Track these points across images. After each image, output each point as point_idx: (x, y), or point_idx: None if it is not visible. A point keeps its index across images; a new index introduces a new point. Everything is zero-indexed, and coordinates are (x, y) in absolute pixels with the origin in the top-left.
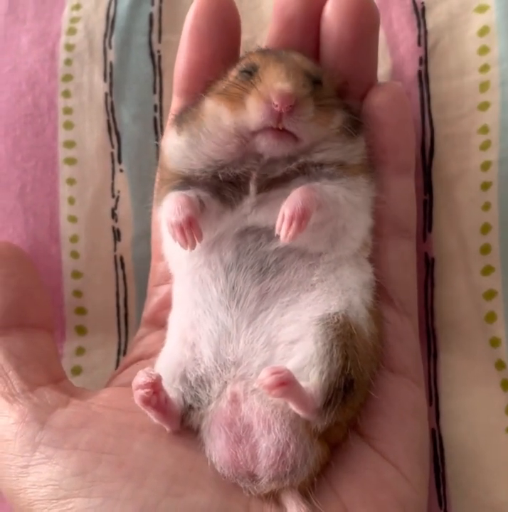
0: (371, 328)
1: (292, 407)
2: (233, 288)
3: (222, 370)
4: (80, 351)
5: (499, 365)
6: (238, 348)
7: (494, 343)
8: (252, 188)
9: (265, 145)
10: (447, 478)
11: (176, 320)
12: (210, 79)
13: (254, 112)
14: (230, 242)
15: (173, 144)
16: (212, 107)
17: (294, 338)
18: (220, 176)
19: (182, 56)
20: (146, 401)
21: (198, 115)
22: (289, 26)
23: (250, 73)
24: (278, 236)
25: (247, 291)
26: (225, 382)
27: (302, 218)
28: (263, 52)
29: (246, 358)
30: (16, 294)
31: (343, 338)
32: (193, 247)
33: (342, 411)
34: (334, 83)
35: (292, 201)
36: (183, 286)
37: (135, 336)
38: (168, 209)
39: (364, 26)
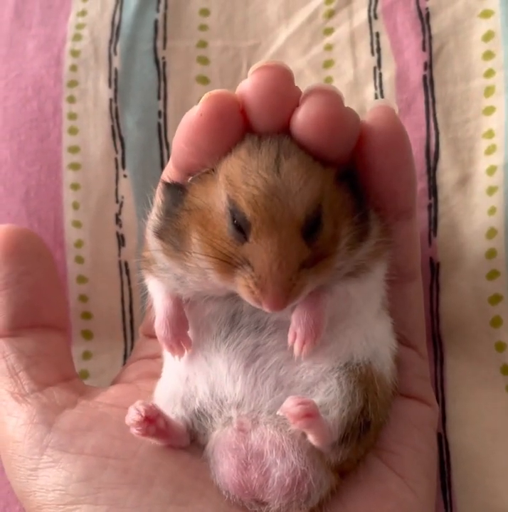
0: (393, 378)
1: (310, 438)
2: (227, 336)
3: (221, 407)
4: (87, 355)
5: (505, 369)
6: (236, 390)
7: (500, 347)
8: (246, 319)
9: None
10: (453, 482)
11: (169, 356)
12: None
13: (246, 299)
14: (225, 313)
15: (157, 255)
16: (198, 257)
17: (315, 380)
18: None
19: (179, 151)
20: (144, 434)
21: (181, 253)
22: (256, 128)
23: (240, 228)
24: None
25: (241, 340)
26: (229, 417)
27: (315, 337)
28: (254, 198)
29: (249, 399)
30: (30, 295)
31: (365, 383)
32: (181, 356)
33: (356, 449)
34: (334, 179)
35: (302, 320)
36: None
37: (137, 342)
38: (156, 315)
39: (342, 139)
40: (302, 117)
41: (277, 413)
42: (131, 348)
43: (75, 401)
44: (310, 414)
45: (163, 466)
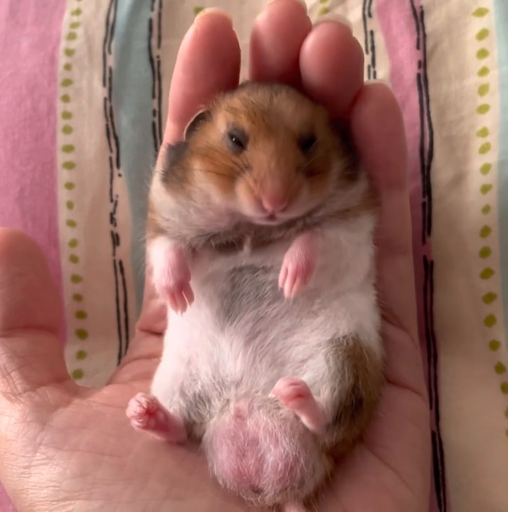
0: (382, 352)
1: (304, 420)
2: (228, 311)
3: (221, 388)
4: (81, 355)
5: (499, 368)
6: (236, 368)
7: (494, 346)
8: (246, 249)
9: (259, 223)
10: (446, 481)
11: (171, 339)
12: (196, 114)
13: (245, 205)
14: (225, 276)
15: (162, 198)
16: (200, 181)
17: (304, 357)
18: (212, 243)
19: (176, 88)
20: (145, 427)
21: (184, 182)
22: (267, 66)
23: (239, 142)
24: (282, 290)
25: (242, 314)
26: (227, 399)
27: (306, 273)
28: (251, 112)
29: (248, 377)
30: (23, 295)
31: (354, 358)
32: (183, 310)
33: (350, 428)
34: (327, 120)
35: (294, 255)
36: None
37: (133, 340)
38: (158, 268)
39: (346, 68)
40: (312, 40)
41: (269, 395)
42: (126, 347)
43: (69, 400)
44: (301, 395)
45: (159, 461)
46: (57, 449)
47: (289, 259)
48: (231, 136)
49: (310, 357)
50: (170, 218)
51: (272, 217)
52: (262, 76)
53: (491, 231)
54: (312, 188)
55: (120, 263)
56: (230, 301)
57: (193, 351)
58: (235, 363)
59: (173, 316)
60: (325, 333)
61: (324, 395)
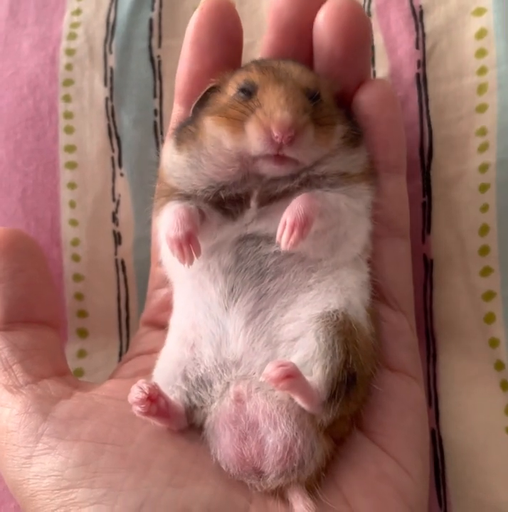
0: (370, 327)
1: (298, 400)
2: (232, 289)
3: (222, 371)
4: (82, 354)
5: (498, 365)
6: (237, 348)
7: (493, 343)
8: (253, 204)
9: (267, 169)
10: (447, 478)
11: (177, 321)
12: (207, 88)
13: (254, 140)
14: (230, 247)
15: (173, 161)
16: (212, 128)
17: (295, 335)
18: (222, 195)
19: (183, 66)
20: (146, 413)
21: (197, 135)
22: (285, 32)
23: (249, 93)
24: (279, 243)
25: (245, 292)
26: (228, 382)
27: (303, 226)
28: (262, 67)
29: (247, 358)
30: (24, 290)
31: (344, 334)
32: (190, 262)
33: (346, 404)
34: (332, 92)
35: (293, 209)
36: (183, 290)
37: (136, 334)
38: (167, 222)
39: (356, 40)
40: (326, 8)
41: (260, 380)
42: (127, 346)
43: (71, 393)
44: (290, 375)
45: (161, 450)
46: (60, 439)
47: (288, 213)
48: (242, 90)
49: (301, 335)
50: (181, 175)
51: (279, 157)
52: (277, 49)
53: (490, 229)
54: (318, 136)
55: (122, 262)
56: (234, 277)
57: (197, 334)
58: (236, 343)
59: (178, 299)
60: (315, 306)
61: (316, 374)
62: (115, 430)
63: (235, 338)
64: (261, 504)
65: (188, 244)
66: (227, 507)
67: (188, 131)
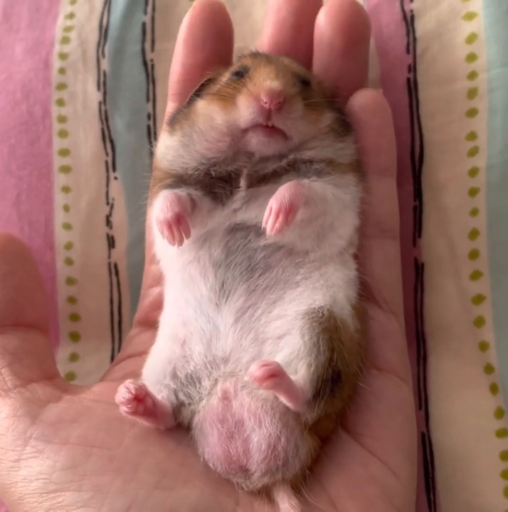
0: (355, 324)
1: (283, 399)
2: (222, 285)
3: (211, 368)
4: (74, 357)
5: (488, 369)
6: (227, 345)
7: (483, 347)
8: (242, 182)
9: (256, 142)
10: (436, 481)
11: (167, 318)
12: (202, 80)
13: (244, 109)
14: (220, 239)
15: (166, 144)
16: (204, 106)
17: (281, 333)
18: (212, 172)
19: (176, 62)
20: (133, 413)
21: (190, 115)
22: (282, 28)
23: (242, 75)
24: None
25: (235, 288)
26: (216, 379)
27: (288, 212)
28: (254, 55)
29: (235, 354)
30: (14, 293)
31: (328, 331)
32: (180, 243)
33: (331, 402)
34: (323, 87)
35: (279, 195)
36: (174, 285)
37: (128, 335)
38: (158, 207)
39: (355, 35)
40: (327, 6)
41: (245, 379)
42: (119, 349)
43: (59, 396)
44: (274, 374)
45: (149, 453)
46: (48, 443)
47: (274, 199)
48: (235, 73)
49: (287, 332)
50: (174, 155)
51: (268, 129)
52: (274, 44)
53: (479, 234)
54: (306, 113)
55: (115, 265)
56: (224, 272)
57: (188, 331)
58: (226, 340)
59: (169, 295)
60: (301, 303)
61: (301, 373)
62: (103, 433)
63: (226, 334)
64: (248, 506)
65: (177, 225)
66: (214, 509)
67: (181, 113)
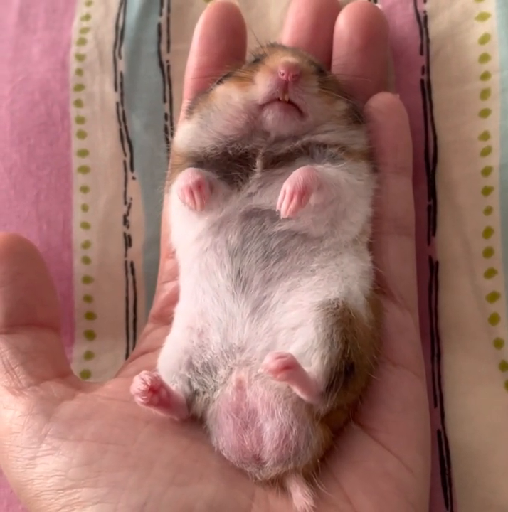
0: (369, 315)
1: (296, 391)
2: (238, 273)
3: (228, 356)
4: (89, 356)
5: (503, 366)
6: (243, 334)
7: (498, 344)
8: (258, 162)
9: (272, 119)
10: (453, 479)
11: (184, 308)
12: (222, 74)
13: (261, 84)
14: (236, 225)
15: (184, 129)
16: (222, 89)
17: (296, 323)
18: (229, 151)
19: (192, 59)
20: (148, 404)
21: (208, 98)
22: (301, 28)
23: (259, 60)
24: (279, 212)
25: (251, 277)
26: (231, 368)
27: (302, 194)
28: (271, 45)
29: (250, 343)
30: (24, 294)
31: (342, 323)
32: (201, 208)
33: (344, 394)
34: (338, 81)
35: (293, 178)
36: (190, 275)
37: (143, 331)
38: (180, 178)
39: (374, 34)
40: (348, 8)
41: (259, 371)
42: (134, 348)
43: (73, 394)
44: (288, 366)
45: (164, 450)
46: (63, 440)
47: (288, 182)
48: (253, 61)
49: (301, 323)
50: (193, 136)
51: (285, 105)
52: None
53: (494, 232)
54: (322, 93)
55: (131, 264)
56: (240, 260)
57: (205, 320)
58: (243, 329)
59: (185, 285)
60: (318, 293)
61: (314, 364)
62: (118, 430)
63: (242, 324)
64: (263, 501)
65: (198, 191)
66: (229, 504)
67: (200, 97)
